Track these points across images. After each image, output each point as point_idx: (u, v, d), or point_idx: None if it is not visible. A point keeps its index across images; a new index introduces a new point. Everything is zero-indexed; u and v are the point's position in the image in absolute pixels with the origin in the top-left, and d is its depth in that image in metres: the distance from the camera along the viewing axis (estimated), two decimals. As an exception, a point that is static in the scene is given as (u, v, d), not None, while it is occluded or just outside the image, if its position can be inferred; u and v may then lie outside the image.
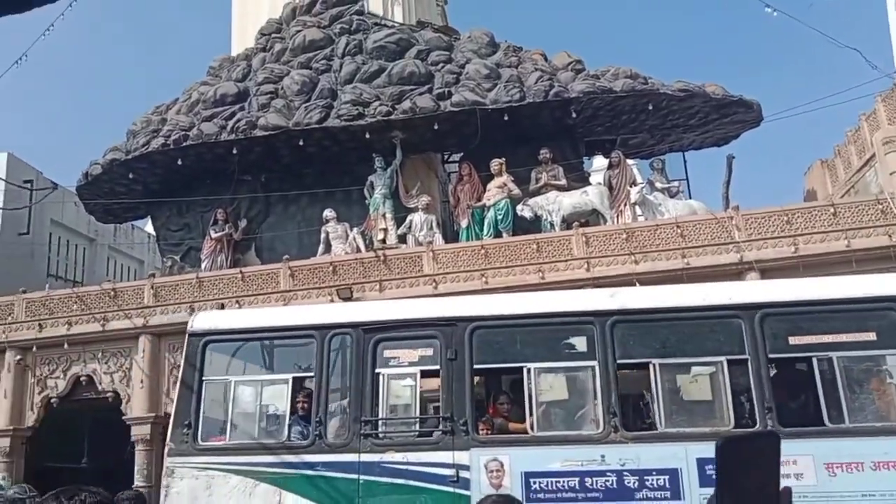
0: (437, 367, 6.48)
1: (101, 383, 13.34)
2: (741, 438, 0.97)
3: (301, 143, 15.22)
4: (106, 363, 13.42)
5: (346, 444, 6.31)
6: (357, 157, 15.63)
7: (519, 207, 14.28)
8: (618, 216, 14.08)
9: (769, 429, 5.88)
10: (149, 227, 19.85)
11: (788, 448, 4.88)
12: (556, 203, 14.27)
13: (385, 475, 6.12)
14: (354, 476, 6.15)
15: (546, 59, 16.21)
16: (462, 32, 17.25)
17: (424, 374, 6.61)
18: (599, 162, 16.04)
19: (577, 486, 5.87)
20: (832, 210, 12.04)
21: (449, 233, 15.28)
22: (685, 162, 17.18)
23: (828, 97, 14.00)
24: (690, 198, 15.04)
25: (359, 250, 14.28)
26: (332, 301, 12.75)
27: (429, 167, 16.29)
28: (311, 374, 6.72)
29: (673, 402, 6.32)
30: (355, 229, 14.78)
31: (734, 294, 6.68)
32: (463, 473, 6.01)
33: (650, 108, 15.24)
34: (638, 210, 13.96)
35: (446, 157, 17.80)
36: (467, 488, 5.96)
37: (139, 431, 12.87)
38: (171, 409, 6.96)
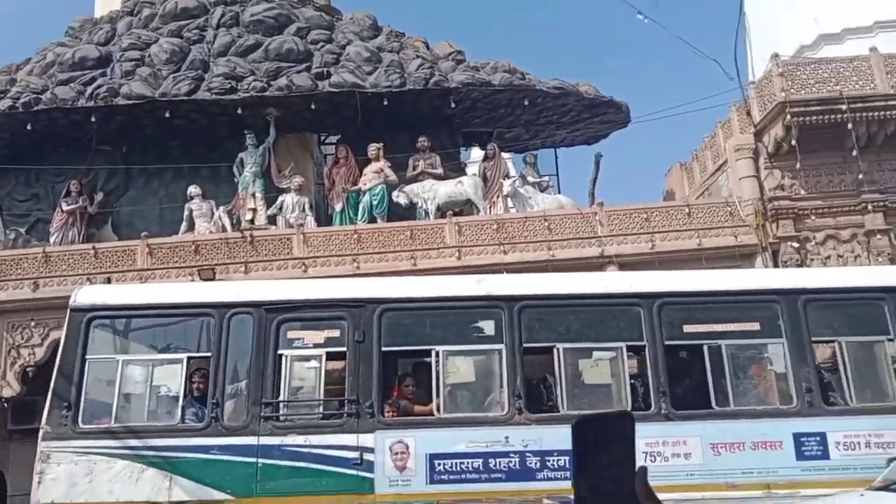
0: (344, 348, 6.35)
1: (-73, 364, 12.12)
2: (595, 418, 0.95)
3: (167, 114, 14.42)
4: (-67, 341, 12.21)
5: (244, 427, 6.07)
6: (227, 132, 15.01)
7: (395, 194, 14.20)
8: (490, 207, 14.30)
9: (663, 411, 6.19)
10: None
11: (680, 430, 5.11)
12: (431, 191, 14.30)
13: (285, 458, 5.95)
14: (253, 459, 5.94)
15: (428, 48, 16.21)
16: (344, 13, 16.93)
17: (330, 356, 6.44)
18: (476, 153, 16.24)
19: (480, 467, 5.92)
20: (687, 210, 12.76)
21: (322, 216, 14.98)
22: (556, 158, 17.71)
23: (689, 103, 14.86)
24: (560, 193, 15.52)
25: (224, 230, 13.72)
26: (192, 281, 12.18)
27: (304, 147, 15.88)
28: (208, 354, 6.41)
29: (575, 385, 6.51)
30: (222, 208, 14.19)
31: (635, 283, 6.92)
32: (367, 456, 5.94)
33: (526, 103, 15.56)
34: (510, 202, 14.24)
35: (323, 138, 17.44)
36: (371, 471, 5.91)
37: (-31, 417, 11.82)
38: (49, 391, 6.35)
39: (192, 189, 14.21)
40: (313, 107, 14.71)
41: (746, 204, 12.50)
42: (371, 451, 5.95)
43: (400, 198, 14.18)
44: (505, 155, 15.83)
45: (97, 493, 5.90)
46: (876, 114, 12.22)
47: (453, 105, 15.34)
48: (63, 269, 12.35)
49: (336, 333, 6.41)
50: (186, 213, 14.07)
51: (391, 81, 14.86)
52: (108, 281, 11.67)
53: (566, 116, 16.41)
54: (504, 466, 5.90)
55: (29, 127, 14.30)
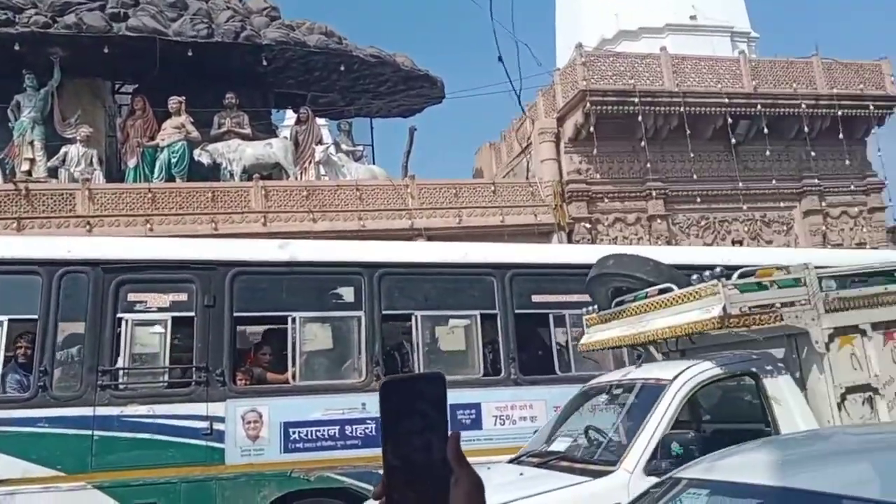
0: (192, 313, 5.87)
1: None
2: (403, 380, 0.89)
3: (-75, 42, 12.47)
4: None
5: (77, 397, 5.46)
6: (3, 70, 13.26)
7: (197, 152, 13.36)
8: (302, 173, 13.90)
9: (512, 377, 6.35)
10: None
11: (527, 394, 5.10)
12: (237, 152, 13.63)
13: (126, 430, 5.45)
14: (87, 432, 5.38)
15: (240, 0, 15.34)
16: (148, -48, 15.52)
17: (176, 321, 5.91)
18: (289, 116, 15.71)
19: (337, 434, 5.80)
20: (493, 188, 13.21)
21: (114, 171, 13.77)
22: (371, 128, 17.58)
23: (500, 83, 15.36)
24: (374, 163, 15.42)
25: (-5, 180, 12.19)
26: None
27: (94, 94, 14.42)
28: (35, 316, 5.64)
29: (431, 351, 6.54)
30: (-7, 155, 12.58)
31: (489, 254, 7.01)
32: (217, 426, 5.60)
33: (342, 68, 15.24)
34: (322, 169, 13.93)
35: (118, 86, 15.97)
36: (221, 441, 5.59)
37: None
38: None
39: (-45, 131, 12.45)
40: (106, 51, 13.39)
41: (547, 185, 13.17)
42: (222, 420, 5.65)
43: (202, 156, 13.37)
44: (319, 121, 15.46)
45: None
46: (662, 108, 13.33)
47: (265, 63, 14.65)
48: None
49: (183, 297, 5.96)
50: (-53, 157, 12.32)
51: (197, 31, 13.91)
52: None
53: (383, 86, 16.30)
54: (361, 433, 5.82)
55: None
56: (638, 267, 5.46)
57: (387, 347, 6.53)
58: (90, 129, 13.18)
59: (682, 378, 4.81)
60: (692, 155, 13.25)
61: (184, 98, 13.62)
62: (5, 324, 5.68)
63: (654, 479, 4.28)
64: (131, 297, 5.88)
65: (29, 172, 12.54)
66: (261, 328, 6.97)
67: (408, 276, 6.64)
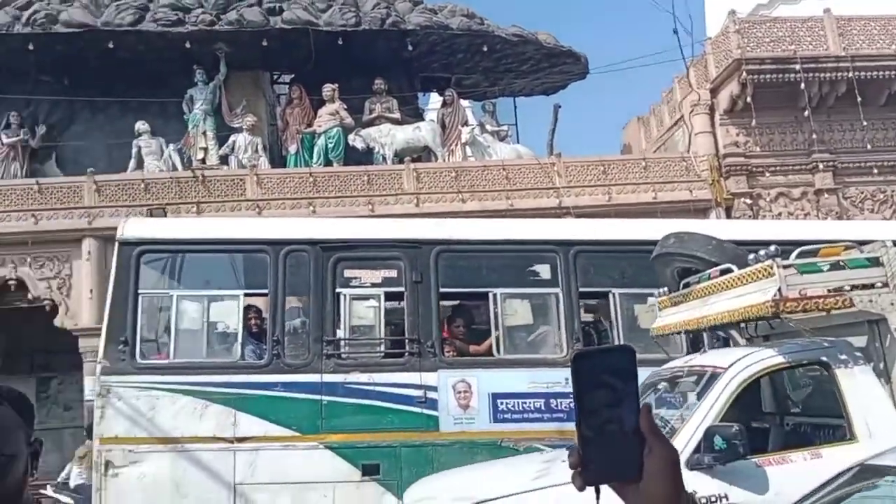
0: (402, 288, 6.30)
1: None
2: (593, 353, 0.91)
3: (111, 45, 13.70)
4: None
5: (306, 364, 6.02)
6: (176, 67, 14.37)
7: (351, 137, 13.95)
8: (449, 155, 14.21)
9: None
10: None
11: None
12: (389, 136, 14.10)
13: (350, 396, 5.93)
14: (317, 397, 5.91)
15: (384, -13, 15.75)
16: (298, -53, 16.24)
17: (387, 296, 6.40)
18: (434, 99, 16.04)
19: (542, 407, 5.99)
20: (644, 164, 12.96)
21: (276, 157, 14.63)
22: (515, 107, 17.63)
23: (647, 56, 14.92)
24: (518, 142, 15.50)
25: (175, 168, 13.29)
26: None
27: (256, 86, 15.36)
28: (265, 291, 6.29)
29: (631, 329, 6.59)
30: (171, 146, 13.70)
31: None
32: (431, 394, 5.96)
33: (485, 49, 15.37)
34: (468, 150, 14.17)
35: (276, 77, 16.89)
36: (435, 409, 5.93)
37: None
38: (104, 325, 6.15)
39: (140, 125, 13.64)
40: (265, 44, 14.20)
41: (702, 159, 12.76)
42: (434, 389, 5.98)
43: (356, 141, 13.94)
44: (464, 102, 15.69)
45: (161, 428, 5.84)
46: (827, 75, 12.54)
47: (410, 48, 15.04)
48: (5, 204, 11.79)
49: (393, 273, 6.36)
50: (135, 150, 13.54)
51: (346, 20, 14.45)
52: (164, 212, 11.16)
53: (525, 65, 16.30)
54: (565, 407, 5.94)
55: (-39, 53, 13.42)
56: (699, 246, 5.21)
57: (585, 324, 6.62)
58: (255, 118, 14.08)
59: (737, 367, 4.50)
60: (864, 123, 12.38)
61: (336, 86, 14.23)
62: (241, 297, 6.29)
63: (696, 474, 4.12)
64: (347, 273, 6.33)
65: (203, 160, 13.57)
66: (448, 302, 7.23)
67: (603, 254, 6.67)
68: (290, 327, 6.37)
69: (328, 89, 14.21)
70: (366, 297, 6.45)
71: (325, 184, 12.60)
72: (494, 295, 6.39)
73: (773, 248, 4.37)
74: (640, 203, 12.52)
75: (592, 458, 0.86)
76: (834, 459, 4.25)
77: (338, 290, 6.23)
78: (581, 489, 0.88)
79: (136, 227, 6.58)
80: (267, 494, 5.81)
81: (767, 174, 12.60)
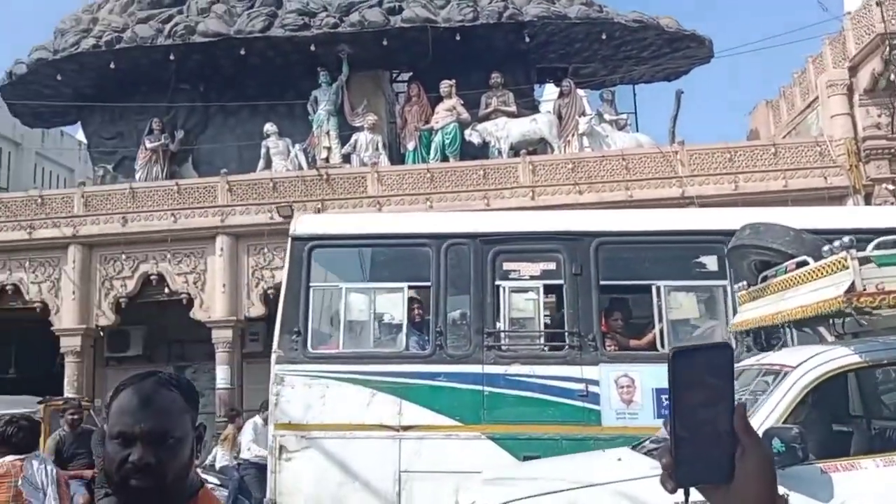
0: (560, 281, 6.29)
1: (28, 293, 12.87)
2: (692, 350, 0.87)
3: (243, 52, 14.54)
4: (33, 272, 12.91)
5: (468, 356, 6.13)
6: (301, 70, 15.05)
7: (467, 132, 14.07)
8: (565, 146, 14.03)
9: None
10: (80, 133, 18.89)
11: None
12: (504, 129, 14.10)
13: (511, 387, 5.99)
14: (479, 388, 6.00)
15: (501, -21, 15.73)
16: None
17: (546, 289, 6.42)
18: (550, 90, 15.89)
19: None
20: (773, 150, 12.24)
21: (395, 154, 15.00)
22: (634, 95, 17.14)
23: (777, 36, 14.03)
24: (637, 131, 15.06)
25: (301, 168, 13.92)
26: (271, 218, 12.47)
27: (376, 85, 15.81)
28: (428, 283, 6.45)
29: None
30: (297, 146, 14.36)
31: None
32: (592, 388, 5.93)
33: (604, 37, 15.04)
34: (585, 141, 13.93)
35: (395, 75, 17.32)
36: (597, 403, 5.89)
37: (69, 343, 12.54)
38: (278, 316, 6.52)
39: (269, 127, 14.40)
40: (385, 43, 14.57)
41: (838, 143, 11.89)
42: (596, 383, 5.92)
43: (472, 136, 14.04)
44: (580, 92, 15.43)
45: (332, 416, 6.08)
46: None
47: (528, 40, 14.95)
48: (149, 204, 12.80)
49: (552, 266, 6.33)
50: (263, 150, 14.31)
51: (464, 16, 14.56)
52: (290, 210, 11.93)
53: (646, 51, 15.80)
54: None
55: (112, 65, 14.66)
56: (775, 237, 4.85)
57: None
58: (375, 116, 14.50)
59: (806, 366, 4.17)
60: None
61: (453, 81, 14.39)
62: (405, 290, 6.48)
63: None
64: (506, 266, 6.35)
65: (327, 159, 14.13)
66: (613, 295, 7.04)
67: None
68: (452, 319, 6.40)
69: (445, 85, 14.39)
70: (525, 290, 6.40)
71: (441, 179, 12.79)
72: (658, 288, 6.19)
73: (847, 238, 4.06)
74: (769, 192, 11.84)
75: (685, 459, 0.84)
76: None
77: (497, 282, 6.24)
78: (672, 491, 0.86)
79: (307, 224, 6.87)
80: (430, 482, 5.88)
81: (914, 157, 11.58)
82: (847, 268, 3.96)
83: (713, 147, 12.56)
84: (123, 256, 12.74)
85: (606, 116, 14.67)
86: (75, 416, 7.45)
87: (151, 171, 14.39)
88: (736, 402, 0.85)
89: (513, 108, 14.59)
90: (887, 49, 11.44)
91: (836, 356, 4.23)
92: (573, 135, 14.11)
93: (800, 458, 3.83)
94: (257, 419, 9.05)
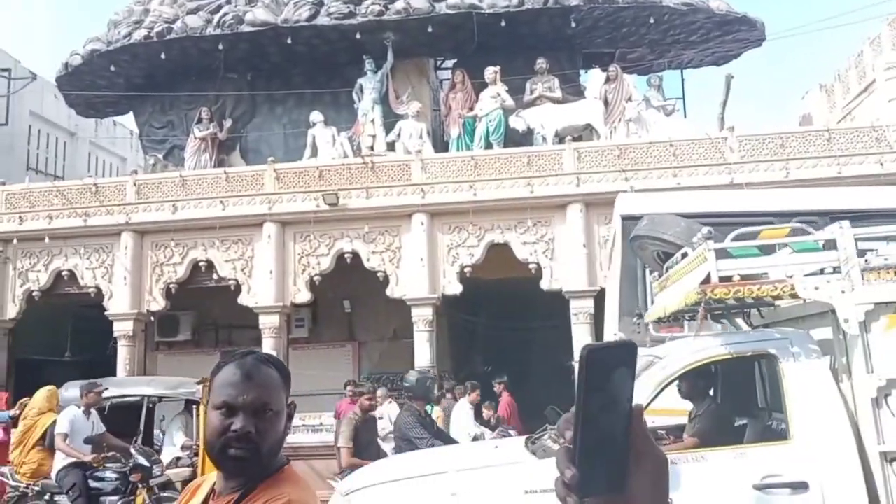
0: None
1: (82, 278, 13.26)
2: (602, 348, 0.81)
3: (289, 41, 14.67)
4: (88, 258, 13.30)
5: None
6: (347, 58, 15.13)
7: (512, 119, 13.99)
8: (612, 132, 13.84)
9: None
10: (131, 122, 19.36)
11: None
12: (549, 116, 13.99)
13: None
14: None
15: (547, -36, 15.54)
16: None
17: None
18: (596, 76, 15.67)
19: None
20: (827, 135, 11.90)
21: (439, 142, 15.01)
22: (683, 80, 16.85)
23: (833, 17, 13.58)
24: (686, 117, 14.80)
25: (346, 155, 14.02)
26: (317, 206, 12.61)
27: (420, 73, 15.81)
28: None
29: None
30: (343, 134, 14.46)
31: None
32: None
33: (652, 21, 14.76)
34: (633, 127, 13.73)
35: (439, 63, 17.29)
36: None
37: (122, 328, 12.91)
38: (611, 298, 6.35)
39: (315, 115, 14.52)
40: (430, 30, 14.54)
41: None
42: None
43: (517, 123, 13.96)
44: (627, 77, 15.18)
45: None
46: None
47: (574, 25, 14.76)
48: (198, 192, 13.05)
49: None
50: (309, 138, 14.45)
51: (509, 1, 14.44)
52: (336, 197, 12.10)
53: (695, 35, 15.47)
54: None
55: (163, 56, 14.96)
56: (667, 228, 4.82)
57: None
58: (419, 104, 14.49)
59: (670, 358, 4.26)
60: None
61: (498, 68, 14.29)
62: None
63: None
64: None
65: (372, 147, 14.20)
66: None
67: None
68: None
69: (490, 72, 14.31)
70: None
71: (485, 166, 12.75)
72: None
73: (706, 230, 4.06)
74: (822, 178, 11.49)
75: (588, 470, 0.78)
76: (759, 459, 3.99)
77: None
78: None
79: (632, 203, 6.72)
80: None
81: (978, 142, 11.13)
82: (707, 260, 4.03)
83: (764, 133, 12.27)
84: (173, 243, 13.03)
85: (654, 102, 14.43)
86: (371, 402, 7.49)
87: (200, 159, 14.66)
88: (633, 405, 0.80)
89: (558, 94, 14.45)
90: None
91: (702, 348, 4.33)
92: (620, 120, 13.92)
93: None
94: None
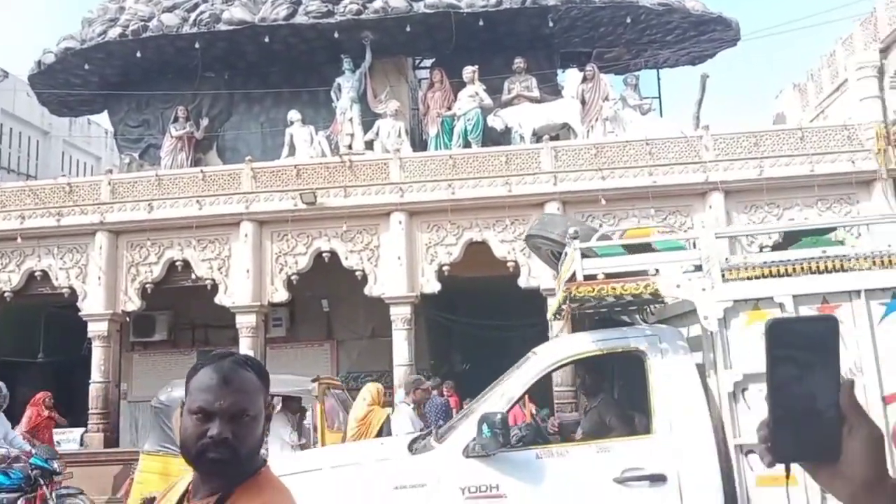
0: None
1: (56, 279, 13.10)
2: (791, 321, 0.85)
3: (267, 39, 14.60)
4: (61, 258, 13.13)
5: None
6: (325, 57, 15.09)
7: (490, 118, 14.03)
8: (589, 131, 13.93)
9: None
10: (106, 122, 19.15)
11: None
12: (527, 115, 14.04)
13: None
14: None
15: (525, -36, 15.60)
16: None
17: None
18: (573, 75, 15.76)
19: None
20: (800, 134, 12.05)
21: (417, 141, 15.01)
22: (659, 79, 16.99)
23: (806, 17, 13.78)
24: (662, 116, 14.92)
25: (324, 154, 13.98)
26: (295, 205, 12.55)
27: (399, 72, 15.80)
28: None
29: None
30: (321, 133, 14.41)
31: None
32: None
33: (629, 21, 14.87)
34: (609, 126, 13.82)
35: (417, 62, 17.30)
36: None
37: (96, 328, 12.76)
38: None
39: (293, 114, 14.46)
40: (408, 29, 14.54)
41: (867, 127, 11.68)
42: None
43: (495, 122, 14.00)
44: (604, 76, 15.28)
45: None
46: None
47: (551, 24, 14.83)
48: (174, 191, 12.94)
49: None
50: (287, 137, 14.38)
51: (487, 0, 14.47)
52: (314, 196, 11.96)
53: (671, 35, 15.61)
54: None
55: (139, 54, 14.82)
56: (554, 228, 4.94)
57: None
58: (398, 103, 14.48)
59: (541, 354, 4.39)
60: None
61: (476, 67, 14.33)
62: None
63: (471, 462, 4.02)
64: None
65: (350, 146, 14.17)
66: None
67: None
68: None
69: (468, 71, 14.34)
70: None
71: (463, 165, 12.77)
72: None
73: (573, 230, 4.18)
74: (795, 176, 11.68)
75: (783, 435, 0.82)
76: (621, 453, 4.10)
77: None
78: (770, 465, 0.85)
79: None
80: None
81: (946, 141, 11.33)
82: (573, 258, 4.20)
83: (738, 132, 12.40)
84: (149, 243, 12.92)
85: (631, 101, 14.53)
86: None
87: (177, 158, 14.54)
88: (842, 379, 0.83)
89: (536, 94, 14.51)
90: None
91: (572, 344, 4.48)
92: (597, 119, 14.01)
93: (501, 443, 3.96)
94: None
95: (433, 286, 12.43)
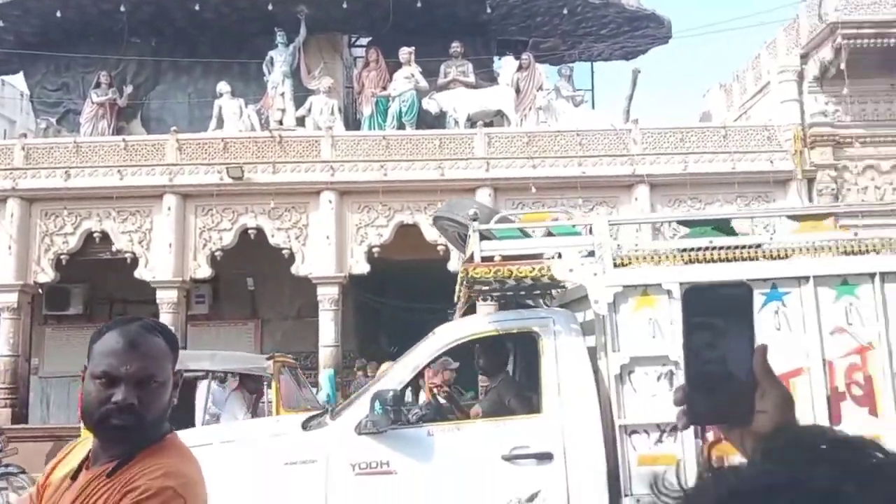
0: None
1: (-38, 247, 12.40)
2: (705, 287, 0.86)
3: (197, 7, 14.06)
4: (-32, 225, 12.44)
5: None
6: (257, 29, 14.67)
7: (425, 101, 13.96)
8: (522, 119, 14.04)
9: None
10: (21, 83, 18.14)
11: None
12: (462, 100, 14.04)
13: None
14: None
15: (465, -53, 15.54)
16: None
17: None
18: (509, 63, 15.85)
19: None
20: (723, 132, 12.47)
21: (350, 120, 14.82)
22: (592, 72, 17.26)
23: (733, 20, 14.21)
24: (594, 108, 15.17)
25: (253, 129, 13.65)
26: (221, 179, 12.23)
27: (334, 49, 15.54)
28: None
29: None
30: (251, 107, 14.05)
31: None
32: None
33: (565, 12, 15.01)
34: (542, 115, 13.97)
35: (353, 40, 17.04)
36: None
37: (5, 299, 12.15)
38: None
39: (222, 86, 14.04)
40: (345, 6, 14.25)
41: (786, 129, 12.18)
42: None
43: (430, 105, 13.94)
44: (539, 66, 15.41)
45: None
46: (932, 40, 11.67)
47: (489, 11, 14.83)
48: (94, 160, 12.41)
49: None
50: (216, 110, 13.95)
51: (427, -18, 14.35)
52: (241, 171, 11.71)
53: (605, 29, 15.86)
54: None
55: (59, 14, 14.05)
56: (459, 210, 5.09)
57: None
58: (331, 80, 14.25)
59: (439, 334, 4.57)
60: (967, 92, 11.53)
61: (413, 49, 14.22)
62: None
63: (364, 439, 4.15)
64: None
65: (280, 122, 13.87)
66: None
67: None
68: None
69: (405, 52, 14.22)
70: None
71: (397, 147, 12.71)
72: None
73: (472, 211, 4.33)
74: (717, 173, 12.09)
75: (698, 398, 0.84)
76: (511, 431, 4.28)
77: None
78: (684, 428, 0.88)
79: None
80: None
81: (857, 145, 11.91)
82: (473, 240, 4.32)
83: (665, 127, 12.74)
84: (66, 212, 12.36)
85: (564, 92, 14.72)
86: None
87: (98, 125, 13.91)
88: (756, 344, 0.84)
89: (471, 79, 14.52)
90: (839, 38, 11.71)
91: (469, 325, 4.64)
92: (531, 108, 14.13)
93: (392, 420, 4.07)
94: None
95: (362, 267, 12.35)
